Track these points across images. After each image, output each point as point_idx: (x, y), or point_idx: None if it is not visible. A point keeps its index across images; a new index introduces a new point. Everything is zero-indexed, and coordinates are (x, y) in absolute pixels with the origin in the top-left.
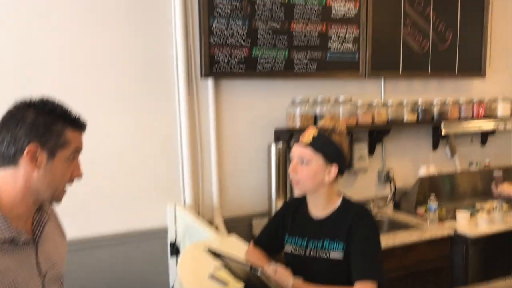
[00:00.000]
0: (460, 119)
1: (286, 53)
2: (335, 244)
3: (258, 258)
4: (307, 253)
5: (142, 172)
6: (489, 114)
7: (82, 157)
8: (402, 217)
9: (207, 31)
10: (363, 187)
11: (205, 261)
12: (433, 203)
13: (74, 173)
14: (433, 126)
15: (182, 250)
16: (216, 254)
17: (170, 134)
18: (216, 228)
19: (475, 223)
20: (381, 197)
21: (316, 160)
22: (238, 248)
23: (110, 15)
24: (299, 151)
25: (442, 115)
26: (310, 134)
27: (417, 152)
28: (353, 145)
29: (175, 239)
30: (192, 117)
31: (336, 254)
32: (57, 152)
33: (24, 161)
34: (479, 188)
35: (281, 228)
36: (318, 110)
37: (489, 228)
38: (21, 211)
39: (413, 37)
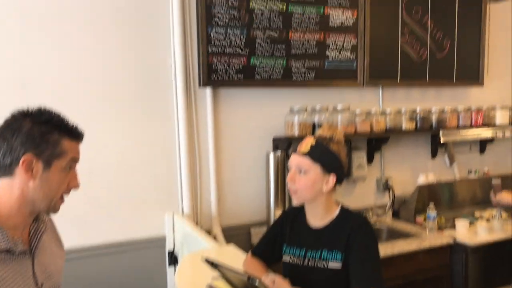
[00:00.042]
0: (458, 127)
1: (284, 61)
2: (333, 254)
3: (256, 269)
4: (305, 263)
5: (140, 181)
6: (488, 122)
7: (80, 166)
8: (401, 225)
9: (205, 40)
10: (362, 195)
11: (203, 271)
12: (432, 212)
13: (71, 184)
14: (431, 134)
15: (180, 259)
16: (213, 264)
17: (169, 143)
18: (215, 237)
19: (475, 231)
20: (380, 206)
21: (314, 170)
22: (236, 258)
23: (109, 25)
24: (297, 160)
25: (441, 123)
26: (308, 143)
27: (415, 160)
28: (352, 153)
29: (173, 248)
30: (190, 126)
31: (335, 264)
32: (53, 162)
33: (20, 171)
34: (478, 196)
35: (280, 238)
36: (316, 118)
37: (488, 237)
38: (18, 221)
39: (411, 46)
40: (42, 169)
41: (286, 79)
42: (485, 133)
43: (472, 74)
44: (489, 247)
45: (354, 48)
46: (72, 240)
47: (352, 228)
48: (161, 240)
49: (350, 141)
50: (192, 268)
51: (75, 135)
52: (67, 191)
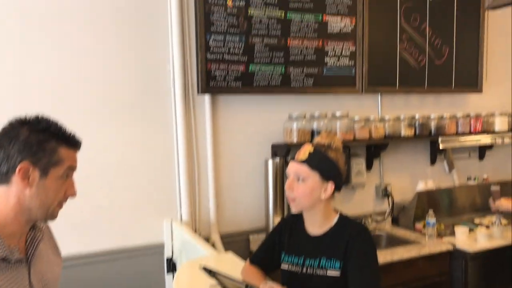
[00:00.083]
0: (457, 133)
1: (283, 68)
2: (332, 263)
3: (254, 277)
4: (304, 271)
5: (139, 187)
6: (487, 129)
7: (78, 173)
8: (400, 232)
9: (203, 47)
10: (361, 202)
11: (201, 279)
12: (431, 218)
13: (67, 192)
14: (430, 141)
15: (178, 267)
16: (211, 272)
17: (167, 150)
18: (213, 244)
19: (474, 238)
20: (379, 212)
21: (312, 177)
22: (234, 266)
23: (108, 32)
24: (295, 168)
25: (440, 130)
26: (306, 151)
27: (415, 167)
28: (351, 160)
29: (172, 255)
30: (189, 133)
31: (333, 272)
32: (50, 170)
33: (16, 179)
34: (478, 202)
35: (278, 245)
36: (315, 125)
37: (488, 243)
38: (14, 229)
39: (409, 53)
40: (39, 177)
41: (284, 86)
42: (484, 139)
43: (470, 81)
44: (489, 253)
45: (352, 55)
46: (70, 247)
47: (351, 235)
48: (160, 247)
49: (349, 147)
50: (190, 275)
51: (73, 143)
52: (64, 199)
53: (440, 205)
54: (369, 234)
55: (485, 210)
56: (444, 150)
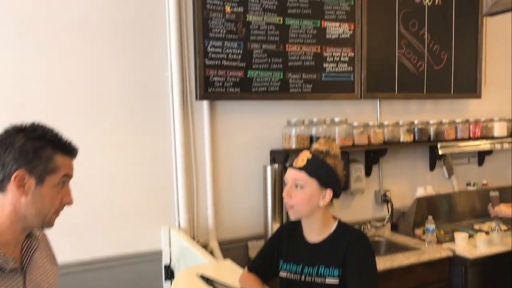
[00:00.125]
0: (456, 139)
1: (281, 74)
2: (330, 271)
3: (252, 284)
4: (302, 279)
5: (137, 194)
6: (486, 134)
7: (75, 179)
8: (400, 238)
9: (202, 53)
10: (360, 208)
11: (199, 287)
12: (431, 224)
13: (64, 200)
14: (429, 146)
15: (176, 274)
16: (208, 280)
17: (165, 156)
18: (211, 251)
19: (474, 244)
20: (378, 218)
21: (310, 184)
22: (232, 273)
23: (106, 38)
24: (293, 175)
25: (439, 135)
26: (304, 157)
27: (414, 172)
28: (350, 166)
29: (170, 263)
30: (187, 139)
31: (332, 280)
32: (45, 178)
33: (11, 187)
34: (477, 208)
35: (276, 253)
36: (313, 131)
37: (488, 250)
38: (9, 238)
39: (408, 58)
40: (35, 185)
41: (283, 92)
42: (483, 145)
43: (469, 86)
44: (489, 260)
45: (351, 61)
46: (66, 254)
47: (350, 242)
48: (158, 254)
49: (348, 153)
50: (188, 283)
51: (69, 150)
52: (61, 207)
53: (440, 211)
54: (368, 241)
55: (484, 216)
56: (443, 156)
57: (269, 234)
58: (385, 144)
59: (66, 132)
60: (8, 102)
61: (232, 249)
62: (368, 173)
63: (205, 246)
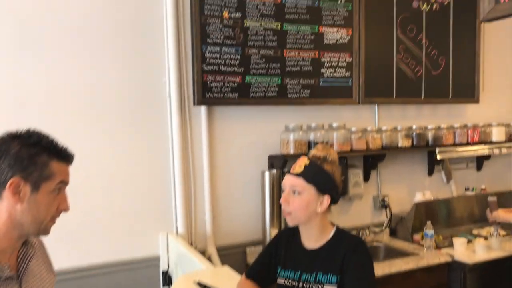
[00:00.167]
0: (455, 144)
1: (279, 79)
2: (328, 277)
3: None
4: (300, 285)
5: (134, 200)
6: (484, 139)
7: (73, 185)
8: (398, 244)
9: (199, 58)
10: (359, 213)
11: None
12: (429, 230)
13: (60, 206)
14: (428, 151)
15: (174, 280)
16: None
17: (163, 162)
18: (209, 257)
19: (473, 249)
20: (377, 224)
21: (308, 190)
22: (230, 280)
23: (103, 44)
24: (290, 181)
25: (437, 140)
26: (301, 163)
27: (412, 177)
28: (348, 171)
29: (167, 269)
30: (185, 145)
31: (330, 287)
32: (41, 185)
33: (7, 194)
34: (476, 213)
35: (274, 259)
36: (312, 136)
37: (486, 255)
38: (5, 246)
39: (406, 63)
40: (30, 192)
41: (281, 97)
42: (482, 150)
43: (467, 91)
44: (487, 265)
45: (349, 66)
46: (63, 260)
47: (348, 248)
48: (155, 260)
49: (346, 159)
50: None
51: (65, 157)
52: (57, 214)
53: (438, 216)
54: (366, 248)
55: (483, 221)
56: (441, 161)
57: (267, 239)
58: (383, 149)
59: (64, 136)
60: (8, 103)
61: (230, 255)
62: (366, 178)
63: (203, 252)
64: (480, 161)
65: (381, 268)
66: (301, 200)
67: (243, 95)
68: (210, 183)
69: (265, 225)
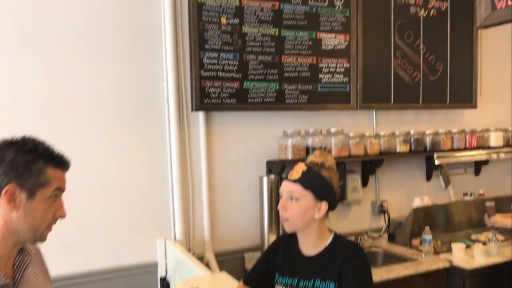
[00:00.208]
0: (453, 149)
1: (277, 85)
2: (326, 284)
3: None
4: None
5: (132, 206)
6: (482, 144)
7: (70, 191)
8: (397, 249)
9: (198, 64)
10: (357, 219)
11: None
12: (427, 235)
13: (56, 213)
14: (426, 157)
15: (172, 286)
16: None
17: (161, 168)
18: (207, 263)
19: (471, 255)
20: (375, 229)
21: (305, 197)
22: (228, 286)
23: (102, 49)
24: (288, 187)
25: (435, 146)
26: (299, 170)
27: (410, 183)
28: (346, 176)
29: (166, 275)
30: (183, 150)
31: None
32: (37, 192)
33: (2, 201)
34: (474, 218)
35: (272, 265)
36: (310, 141)
37: (485, 260)
38: (1, 253)
39: (403, 69)
40: (26, 199)
41: (279, 103)
42: (480, 155)
43: (465, 97)
44: (486, 270)
45: (347, 72)
46: (61, 267)
47: (345, 255)
48: (153, 266)
49: (344, 164)
50: None
51: (60, 163)
52: (53, 221)
53: (437, 221)
54: (364, 254)
55: (481, 226)
56: (439, 166)
57: (266, 245)
58: (382, 154)
59: (64, 136)
60: (8, 103)
61: (228, 261)
62: (364, 183)
63: (201, 258)
64: (478, 166)
65: (380, 274)
66: (298, 207)
67: (241, 101)
68: (208, 188)
69: (263, 231)
